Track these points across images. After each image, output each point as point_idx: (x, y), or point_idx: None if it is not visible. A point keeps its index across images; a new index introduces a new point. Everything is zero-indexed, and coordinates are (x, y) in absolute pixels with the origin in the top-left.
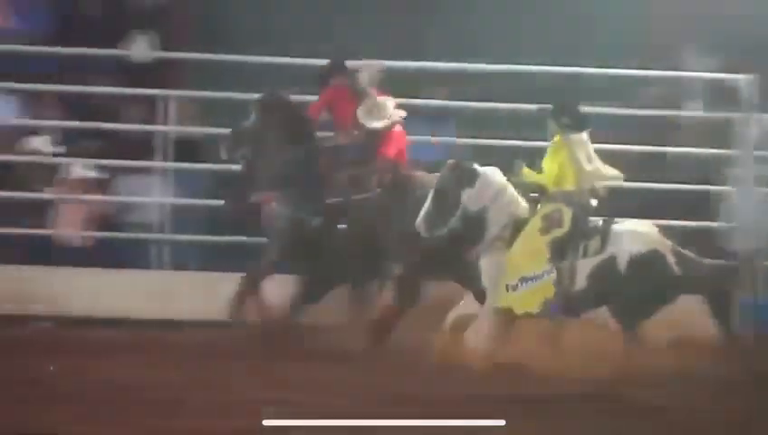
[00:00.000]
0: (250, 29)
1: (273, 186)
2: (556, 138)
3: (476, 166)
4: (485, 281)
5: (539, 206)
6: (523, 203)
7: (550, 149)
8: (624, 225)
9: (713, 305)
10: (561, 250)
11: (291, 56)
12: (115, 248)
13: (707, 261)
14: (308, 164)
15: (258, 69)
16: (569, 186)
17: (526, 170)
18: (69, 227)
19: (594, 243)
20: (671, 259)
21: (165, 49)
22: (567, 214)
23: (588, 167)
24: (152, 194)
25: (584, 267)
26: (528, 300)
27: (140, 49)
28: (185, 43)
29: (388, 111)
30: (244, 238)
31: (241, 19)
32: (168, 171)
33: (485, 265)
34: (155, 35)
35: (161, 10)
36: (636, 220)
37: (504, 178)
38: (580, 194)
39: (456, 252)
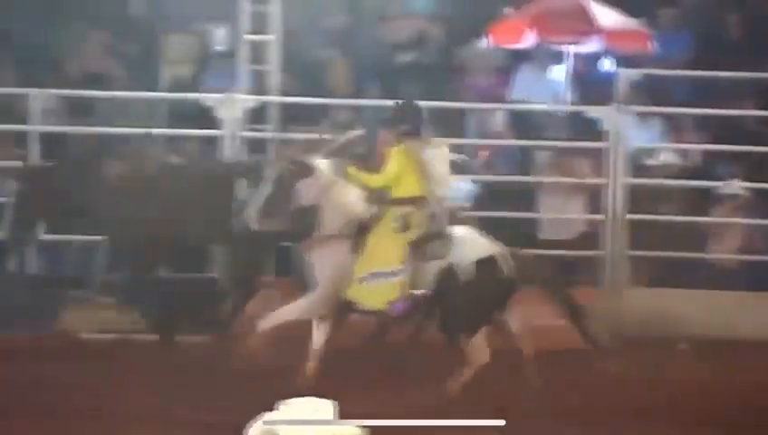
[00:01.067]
0: None
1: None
2: (399, 145)
3: (312, 160)
4: (317, 274)
5: (390, 209)
6: (364, 203)
7: (393, 154)
8: (460, 230)
9: (554, 295)
10: (414, 252)
11: None
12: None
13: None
14: None
15: None
16: (413, 192)
17: (351, 170)
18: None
19: (440, 247)
20: (507, 261)
21: None
22: (417, 217)
23: (432, 172)
24: None
25: (429, 271)
26: (374, 296)
27: None
28: None
29: None
30: None
31: None
32: None
33: (319, 259)
34: None
35: None
36: (464, 227)
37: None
38: (428, 199)
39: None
